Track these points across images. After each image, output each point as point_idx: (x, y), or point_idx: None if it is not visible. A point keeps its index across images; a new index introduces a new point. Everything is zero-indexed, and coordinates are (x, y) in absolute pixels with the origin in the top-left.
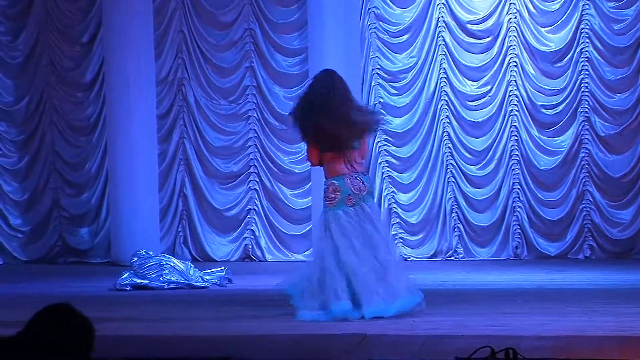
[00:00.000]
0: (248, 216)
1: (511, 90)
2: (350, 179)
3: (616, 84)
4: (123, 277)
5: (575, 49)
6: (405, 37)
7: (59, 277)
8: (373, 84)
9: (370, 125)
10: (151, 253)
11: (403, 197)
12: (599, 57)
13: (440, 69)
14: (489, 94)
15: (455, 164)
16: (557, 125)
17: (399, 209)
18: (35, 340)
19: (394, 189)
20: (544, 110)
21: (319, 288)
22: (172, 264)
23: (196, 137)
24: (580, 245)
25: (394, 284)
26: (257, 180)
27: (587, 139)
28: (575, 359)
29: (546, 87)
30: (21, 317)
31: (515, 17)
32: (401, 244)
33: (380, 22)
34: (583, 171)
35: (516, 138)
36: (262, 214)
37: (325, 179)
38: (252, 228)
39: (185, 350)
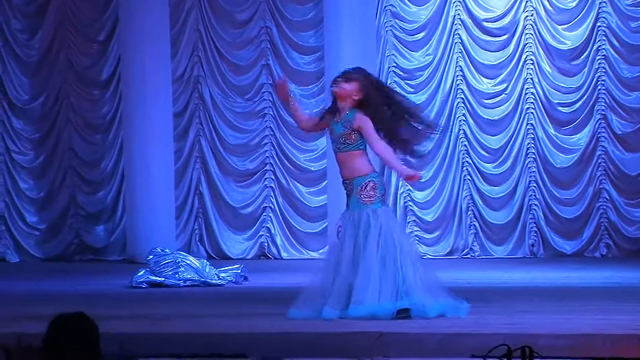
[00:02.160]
0: (264, 214)
1: (527, 88)
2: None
3: (633, 82)
4: (139, 274)
5: (592, 46)
6: (421, 34)
7: (75, 275)
8: (389, 81)
9: None
10: (167, 251)
11: (419, 195)
12: (616, 55)
13: (456, 67)
14: (505, 92)
15: (471, 162)
16: (574, 123)
17: (415, 207)
18: None
19: (410, 187)
20: (560, 108)
21: (327, 288)
22: (187, 262)
23: (212, 135)
24: (596, 243)
25: (428, 283)
26: (273, 177)
27: (603, 136)
28: (592, 357)
29: (562, 85)
30: (47, 313)
31: (531, 15)
32: (417, 241)
33: (397, 20)
34: (599, 169)
35: (532, 136)
36: (278, 212)
37: (367, 174)
38: (268, 226)
39: (201, 347)
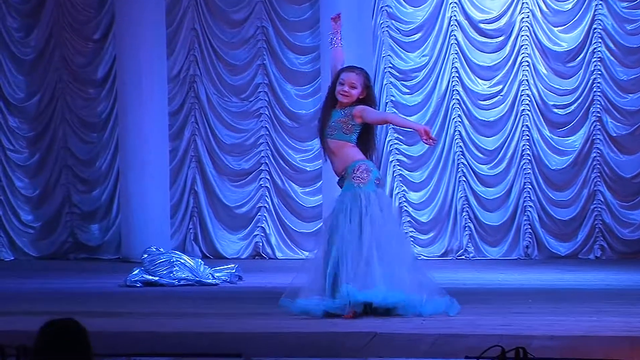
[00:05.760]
0: (259, 214)
1: (523, 90)
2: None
3: (628, 84)
4: (133, 273)
5: (588, 48)
6: (417, 35)
7: (69, 273)
8: (385, 82)
9: None
10: (162, 250)
11: (414, 196)
12: (612, 57)
13: (452, 68)
14: (501, 94)
15: (466, 163)
16: (569, 125)
17: (410, 208)
18: None
19: (405, 188)
20: (555, 110)
21: (326, 270)
22: (182, 261)
23: (207, 135)
24: (591, 245)
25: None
26: (268, 177)
27: (598, 139)
28: (585, 359)
29: (558, 86)
30: (43, 309)
31: (527, 17)
32: (412, 242)
33: (393, 21)
34: (594, 171)
35: (527, 137)
36: (273, 212)
37: (356, 160)
38: (263, 225)
39: (194, 346)
